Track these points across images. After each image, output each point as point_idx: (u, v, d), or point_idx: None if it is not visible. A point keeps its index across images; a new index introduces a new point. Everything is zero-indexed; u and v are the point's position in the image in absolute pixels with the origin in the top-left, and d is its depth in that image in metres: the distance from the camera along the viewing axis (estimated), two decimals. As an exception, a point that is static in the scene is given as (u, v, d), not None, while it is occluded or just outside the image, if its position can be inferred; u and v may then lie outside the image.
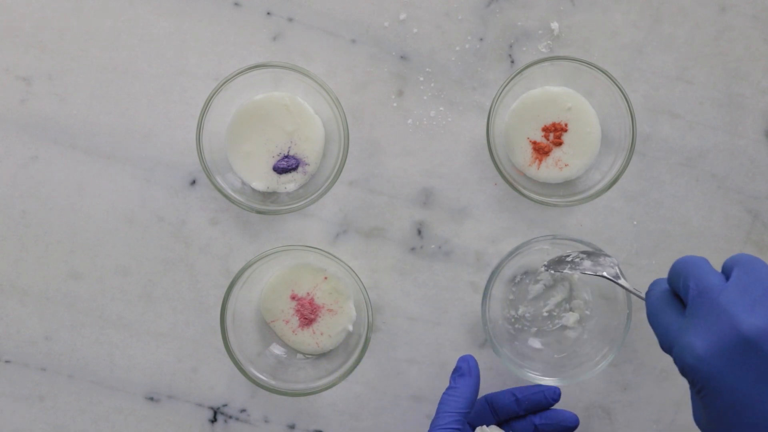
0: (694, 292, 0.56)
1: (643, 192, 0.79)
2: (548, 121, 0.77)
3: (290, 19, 0.79)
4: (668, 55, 0.79)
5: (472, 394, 0.70)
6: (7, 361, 0.79)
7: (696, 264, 0.58)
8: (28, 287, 0.79)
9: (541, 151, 0.77)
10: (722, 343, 0.54)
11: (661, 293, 0.61)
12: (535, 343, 0.78)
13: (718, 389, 0.54)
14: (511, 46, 0.79)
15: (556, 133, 0.77)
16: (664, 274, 0.79)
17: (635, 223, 0.79)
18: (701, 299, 0.56)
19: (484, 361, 0.79)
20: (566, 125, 0.77)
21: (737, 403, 0.54)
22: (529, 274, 0.79)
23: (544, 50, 0.79)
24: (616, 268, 0.70)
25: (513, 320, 0.78)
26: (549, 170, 0.77)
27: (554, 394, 0.73)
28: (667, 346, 0.59)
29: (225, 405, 0.79)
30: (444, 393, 0.71)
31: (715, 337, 0.54)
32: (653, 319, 0.60)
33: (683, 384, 0.78)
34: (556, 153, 0.77)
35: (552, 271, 0.73)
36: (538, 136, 0.77)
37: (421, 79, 0.79)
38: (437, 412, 0.70)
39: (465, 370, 0.71)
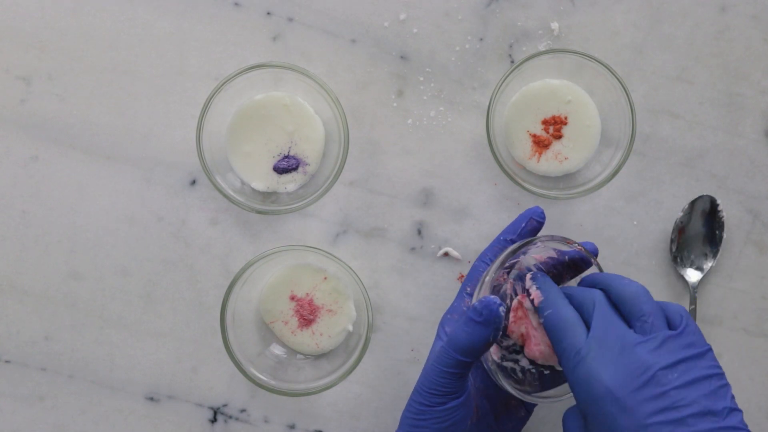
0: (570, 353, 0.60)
1: (643, 192, 0.79)
2: (548, 114, 0.77)
3: (290, 19, 0.79)
4: (668, 55, 0.79)
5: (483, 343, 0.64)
6: (7, 361, 0.79)
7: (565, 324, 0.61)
8: (28, 287, 0.79)
9: (541, 144, 0.77)
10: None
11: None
12: None
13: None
14: (511, 46, 0.79)
15: (555, 126, 0.77)
16: (664, 275, 0.79)
17: (635, 223, 0.79)
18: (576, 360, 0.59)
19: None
20: (566, 118, 0.77)
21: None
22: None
23: (544, 50, 0.79)
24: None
25: None
26: (549, 163, 0.78)
27: (538, 215, 0.71)
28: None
29: (225, 405, 0.79)
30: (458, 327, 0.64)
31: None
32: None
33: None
34: (556, 146, 0.77)
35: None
36: (538, 129, 0.78)
37: (421, 79, 0.79)
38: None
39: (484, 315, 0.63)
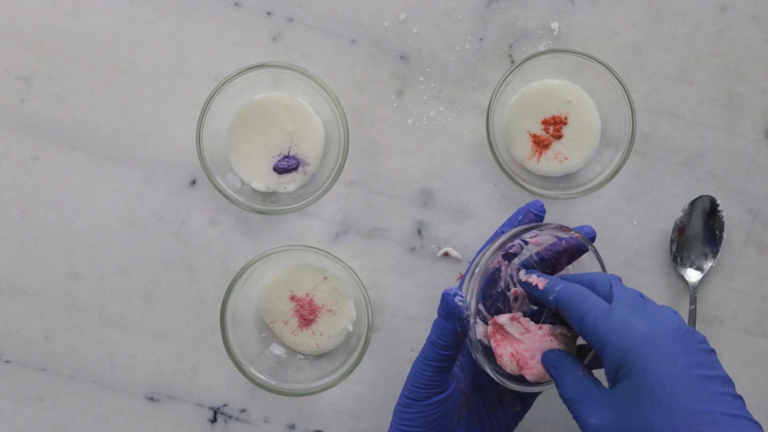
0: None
1: (643, 192, 0.79)
2: (548, 114, 0.77)
3: (290, 19, 0.79)
4: (668, 55, 0.79)
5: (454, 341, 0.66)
6: (7, 361, 0.79)
7: (582, 294, 0.62)
8: (28, 287, 0.79)
9: (541, 144, 0.77)
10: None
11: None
12: None
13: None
14: (511, 46, 0.79)
15: (555, 126, 0.77)
16: (664, 275, 0.79)
17: (635, 223, 0.79)
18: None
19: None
20: (566, 118, 0.77)
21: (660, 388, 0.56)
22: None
23: (544, 50, 0.79)
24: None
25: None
26: (549, 163, 0.78)
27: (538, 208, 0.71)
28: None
29: (225, 405, 0.79)
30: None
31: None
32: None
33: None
34: (556, 146, 0.77)
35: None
36: (538, 129, 0.78)
37: (421, 79, 0.79)
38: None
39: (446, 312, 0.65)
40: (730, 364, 0.79)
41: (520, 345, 0.65)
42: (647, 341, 0.57)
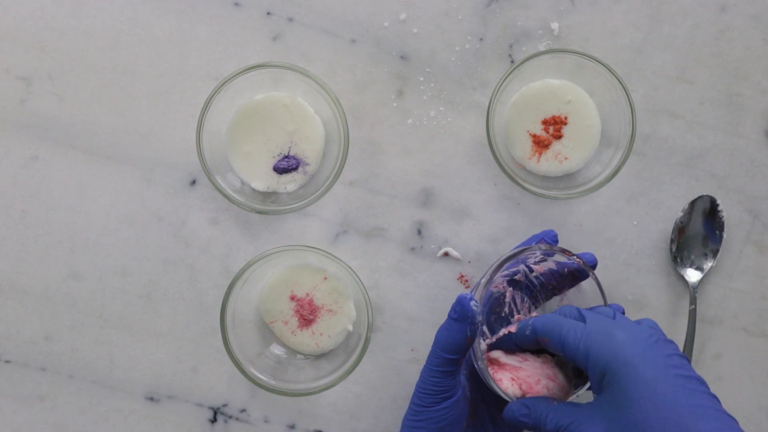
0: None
1: (643, 192, 0.79)
2: (548, 114, 0.77)
3: (290, 19, 0.79)
4: (668, 55, 0.79)
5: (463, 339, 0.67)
6: (7, 361, 0.79)
7: (558, 321, 0.64)
8: (28, 287, 0.79)
9: (541, 144, 0.77)
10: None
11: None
12: None
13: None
14: (511, 46, 0.79)
15: (555, 126, 0.77)
16: (664, 275, 0.79)
17: (635, 223, 0.79)
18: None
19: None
20: (566, 118, 0.77)
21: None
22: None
23: (544, 50, 0.79)
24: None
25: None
26: (549, 163, 0.78)
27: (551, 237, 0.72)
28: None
29: (225, 405, 0.79)
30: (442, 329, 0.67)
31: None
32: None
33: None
34: (556, 146, 0.77)
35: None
36: (538, 129, 0.78)
37: (421, 79, 0.79)
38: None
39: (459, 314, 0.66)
40: (730, 364, 0.79)
41: (521, 372, 0.66)
42: (628, 346, 0.59)
